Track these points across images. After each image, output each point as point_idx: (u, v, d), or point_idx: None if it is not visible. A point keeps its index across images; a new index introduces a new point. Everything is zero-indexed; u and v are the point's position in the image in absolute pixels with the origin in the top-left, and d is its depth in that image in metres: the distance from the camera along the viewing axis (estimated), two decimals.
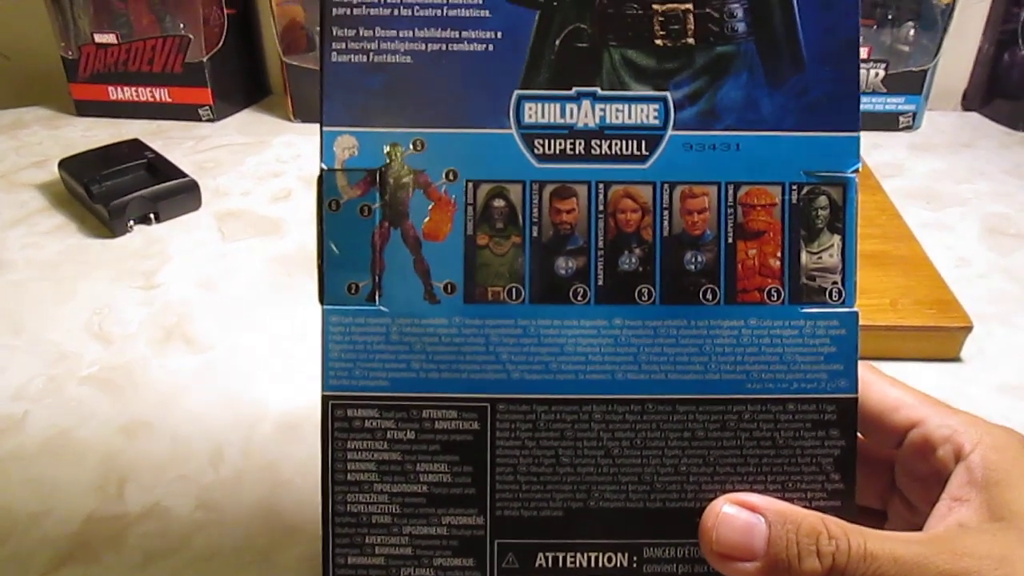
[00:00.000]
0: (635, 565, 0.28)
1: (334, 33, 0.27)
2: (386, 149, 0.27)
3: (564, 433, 0.28)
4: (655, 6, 0.27)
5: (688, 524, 0.28)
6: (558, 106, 0.27)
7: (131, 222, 0.62)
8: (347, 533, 0.28)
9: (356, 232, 0.28)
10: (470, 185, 0.28)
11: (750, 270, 0.28)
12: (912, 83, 0.83)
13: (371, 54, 0.27)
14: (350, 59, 0.27)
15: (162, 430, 0.42)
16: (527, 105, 0.27)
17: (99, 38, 0.82)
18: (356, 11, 0.27)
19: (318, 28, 0.30)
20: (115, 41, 0.82)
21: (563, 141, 0.28)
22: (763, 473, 0.28)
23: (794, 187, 0.28)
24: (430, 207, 0.28)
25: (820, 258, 0.28)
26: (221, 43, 0.84)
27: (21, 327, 0.52)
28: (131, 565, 0.34)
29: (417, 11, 0.27)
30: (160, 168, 0.67)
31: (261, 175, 0.74)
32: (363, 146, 0.28)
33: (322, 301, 0.28)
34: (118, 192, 0.62)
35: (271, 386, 0.46)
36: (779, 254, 0.28)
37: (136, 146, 0.70)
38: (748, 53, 0.27)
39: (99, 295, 0.55)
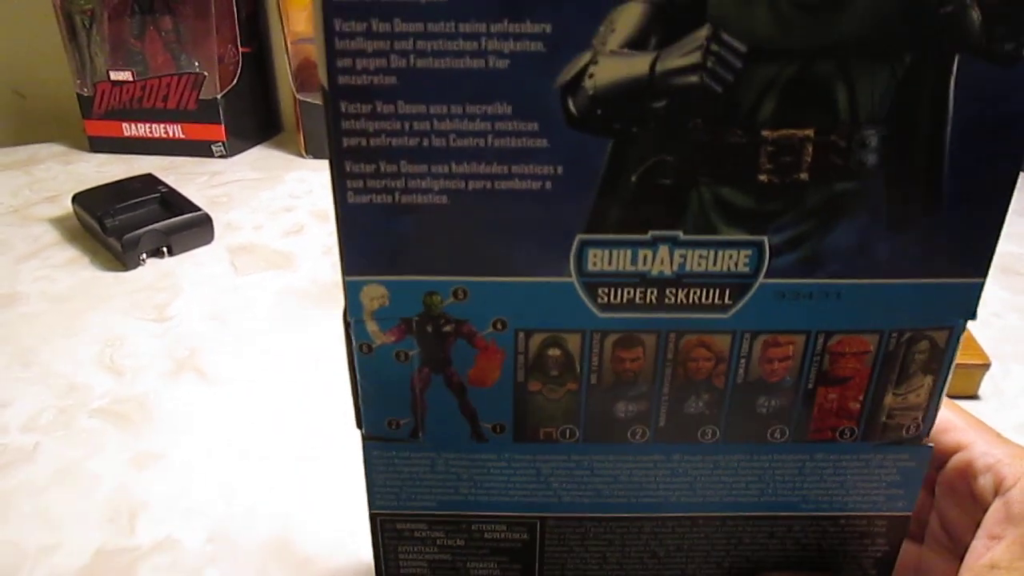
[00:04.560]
0: None
1: (348, 169, 0.21)
2: (422, 298, 0.23)
3: (613, 542, 0.28)
4: (765, 132, 0.21)
5: None
6: (629, 252, 0.22)
7: (144, 255, 0.61)
8: None
9: (393, 375, 0.25)
10: (521, 335, 0.24)
11: (827, 413, 0.25)
12: None
13: (397, 193, 0.22)
14: (371, 199, 0.22)
15: (173, 462, 0.41)
16: (591, 252, 0.22)
17: (115, 75, 0.82)
18: (374, 141, 0.21)
19: None
20: (130, 78, 0.82)
21: (632, 290, 0.23)
22: (803, 570, 0.29)
23: (894, 334, 0.24)
24: (476, 355, 0.24)
25: (906, 399, 0.25)
26: (235, 80, 0.83)
27: (33, 359, 0.50)
28: None
29: (453, 141, 0.21)
30: (173, 202, 0.65)
31: (273, 210, 0.72)
32: (394, 295, 0.23)
33: (360, 427, 0.26)
34: (131, 226, 0.61)
35: (284, 419, 0.45)
36: (861, 398, 0.25)
37: (149, 180, 0.69)
38: (873, 192, 0.22)
39: (111, 328, 0.53)
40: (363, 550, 0.35)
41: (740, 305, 0.23)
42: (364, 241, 0.22)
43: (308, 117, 0.82)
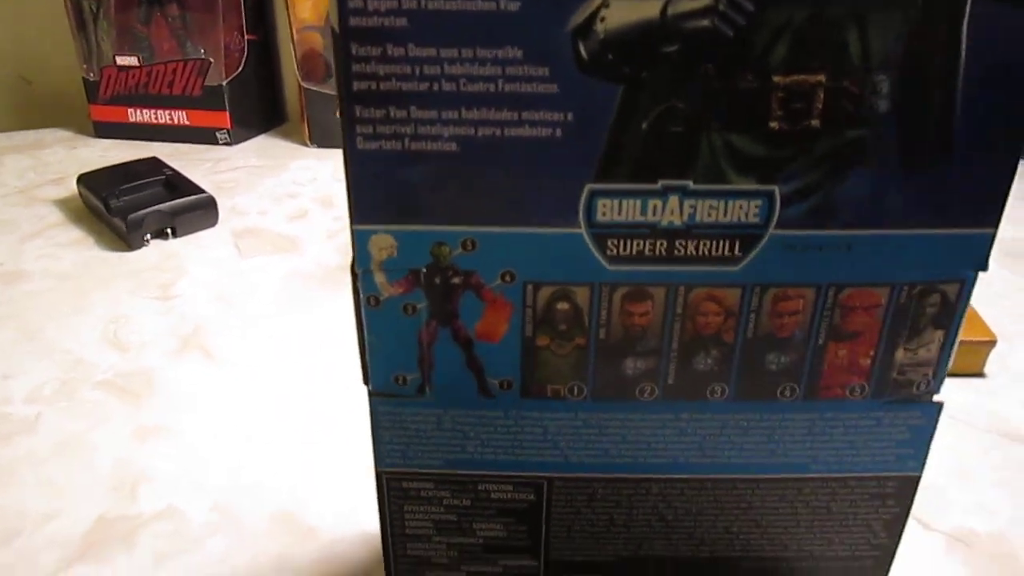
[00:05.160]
0: None
1: (357, 114, 0.21)
2: (430, 249, 0.23)
3: (620, 503, 0.28)
4: (776, 78, 0.21)
5: (734, 567, 0.29)
6: (638, 202, 0.22)
7: (148, 236, 0.62)
8: (409, 570, 0.30)
9: (400, 329, 0.25)
10: (529, 287, 0.24)
11: (837, 369, 0.25)
12: None
13: (407, 139, 0.21)
14: (380, 146, 0.22)
15: (177, 436, 0.41)
16: (601, 202, 0.22)
17: (121, 61, 0.82)
18: (384, 85, 0.21)
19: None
20: (136, 64, 0.82)
21: (642, 241, 0.23)
22: (812, 532, 0.29)
23: (905, 287, 0.24)
24: (483, 308, 0.24)
25: (916, 354, 0.25)
26: (241, 68, 0.83)
27: (37, 334, 0.50)
28: (142, 566, 0.34)
29: (464, 86, 0.21)
30: (178, 185, 0.66)
31: (278, 196, 0.72)
32: (403, 246, 0.23)
33: (367, 383, 0.26)
34: (136, 206, 0.61)
35: (289, 396, 0.45)
36: (872, 353, 0.25)
37: (154, 163, 0.69)
38: (885, 139, 0.21)
39: (115, 306, 0.54)
40: (367, 521, 0.35)
41: (750, 257, 0.23)
42: (373, 189, 0.22)
43: (313, 106, 0.82)
